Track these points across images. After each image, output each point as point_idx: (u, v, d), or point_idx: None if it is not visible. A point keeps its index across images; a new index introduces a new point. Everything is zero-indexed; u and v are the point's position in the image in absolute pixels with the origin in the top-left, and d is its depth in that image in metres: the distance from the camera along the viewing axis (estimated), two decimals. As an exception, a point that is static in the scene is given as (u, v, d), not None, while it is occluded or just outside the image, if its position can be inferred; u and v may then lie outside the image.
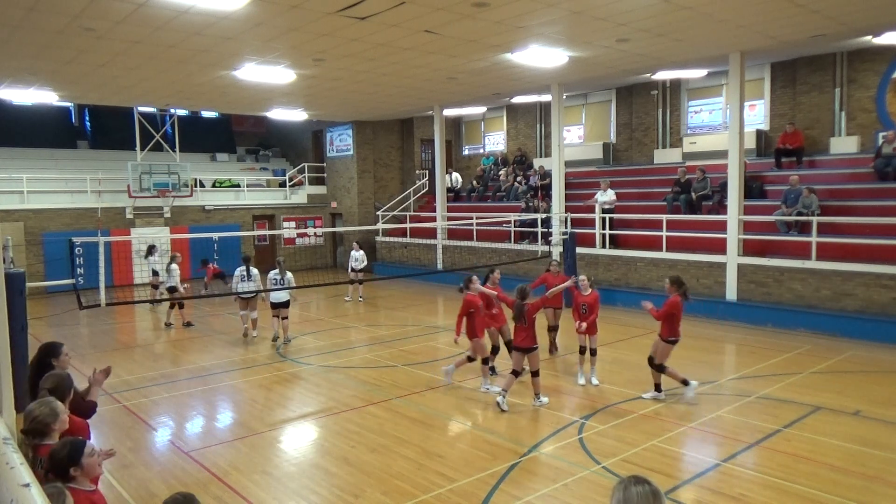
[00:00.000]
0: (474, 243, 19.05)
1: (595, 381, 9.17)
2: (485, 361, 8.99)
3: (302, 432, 7.82)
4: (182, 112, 22.69)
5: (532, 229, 17.77)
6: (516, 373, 8.24)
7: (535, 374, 8.20)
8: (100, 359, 11.15)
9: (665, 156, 18.57)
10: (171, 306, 14.20)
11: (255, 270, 12.41)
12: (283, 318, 12.13)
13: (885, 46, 14.22)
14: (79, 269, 17.74)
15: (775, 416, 7.73)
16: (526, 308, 7.99)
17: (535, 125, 22.47)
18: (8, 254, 10.42)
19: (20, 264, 17.58)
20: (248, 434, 7.56)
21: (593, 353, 9.20)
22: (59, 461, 3.43)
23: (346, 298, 17.41)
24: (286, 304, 12.05)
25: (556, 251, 15.78)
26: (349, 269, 17.31)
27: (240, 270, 12.27)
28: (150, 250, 16.17)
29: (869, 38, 13.52)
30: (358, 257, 17.07)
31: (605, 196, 16.23)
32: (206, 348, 12.21)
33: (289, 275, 11.98)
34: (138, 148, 20.90)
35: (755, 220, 14.01)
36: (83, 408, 4.83)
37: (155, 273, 16.00)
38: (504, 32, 11.08)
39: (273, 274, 12.02)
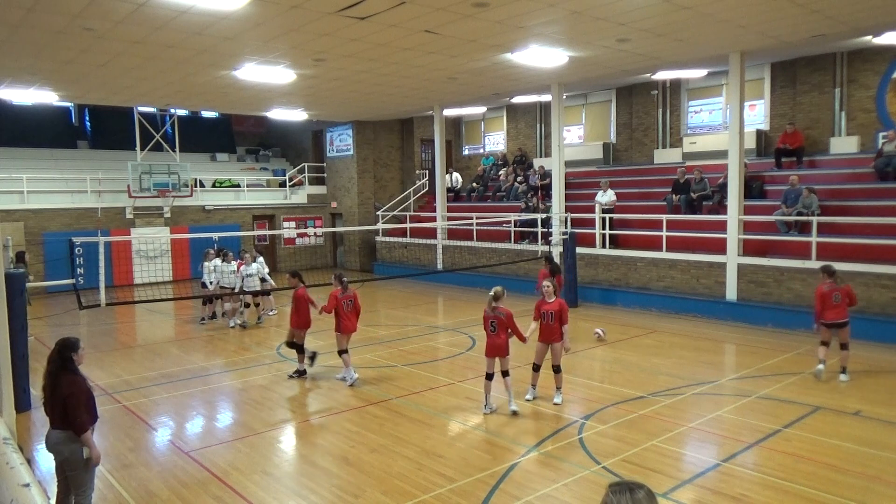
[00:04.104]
0: (474, 243, 19.04)
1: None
2: (535, 368, 8.45)
3: (302, 432, 7.81)
4: (182, 112, 22.68)
5: (532, 229, 17.76)
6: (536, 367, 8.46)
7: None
8: (100, 359, 11.16)
9: (665, 156, 18.57)
10: (204, 303, 14.39)
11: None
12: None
13: (885, 46, 14.22)
14: (79, 269, 17.75)
15: (775, 416, 7.73)
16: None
17: (535, 125, 22.47)
18: (8, 254, 10.36)
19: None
20: (248, 434, 7.56)
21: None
22: None
23: (261, 320, 14.45)
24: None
25: (557, 251, 15.77)
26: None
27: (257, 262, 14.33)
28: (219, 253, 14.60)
29: (869, 38, 13.51)
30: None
31: (605, 196, 16.23)
32: (206, 348, 12.22)
33: (260, 258, 14.57)
34: (138, 148, 20.90)
35: (755, 220, 14.00)
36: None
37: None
38: (504, 32, 11.08)
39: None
